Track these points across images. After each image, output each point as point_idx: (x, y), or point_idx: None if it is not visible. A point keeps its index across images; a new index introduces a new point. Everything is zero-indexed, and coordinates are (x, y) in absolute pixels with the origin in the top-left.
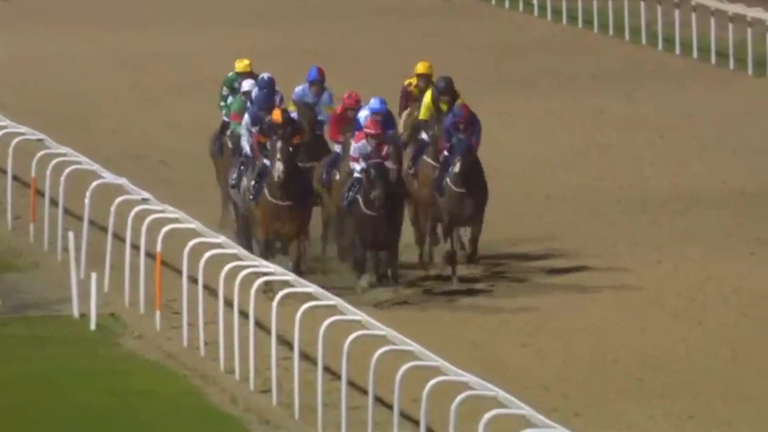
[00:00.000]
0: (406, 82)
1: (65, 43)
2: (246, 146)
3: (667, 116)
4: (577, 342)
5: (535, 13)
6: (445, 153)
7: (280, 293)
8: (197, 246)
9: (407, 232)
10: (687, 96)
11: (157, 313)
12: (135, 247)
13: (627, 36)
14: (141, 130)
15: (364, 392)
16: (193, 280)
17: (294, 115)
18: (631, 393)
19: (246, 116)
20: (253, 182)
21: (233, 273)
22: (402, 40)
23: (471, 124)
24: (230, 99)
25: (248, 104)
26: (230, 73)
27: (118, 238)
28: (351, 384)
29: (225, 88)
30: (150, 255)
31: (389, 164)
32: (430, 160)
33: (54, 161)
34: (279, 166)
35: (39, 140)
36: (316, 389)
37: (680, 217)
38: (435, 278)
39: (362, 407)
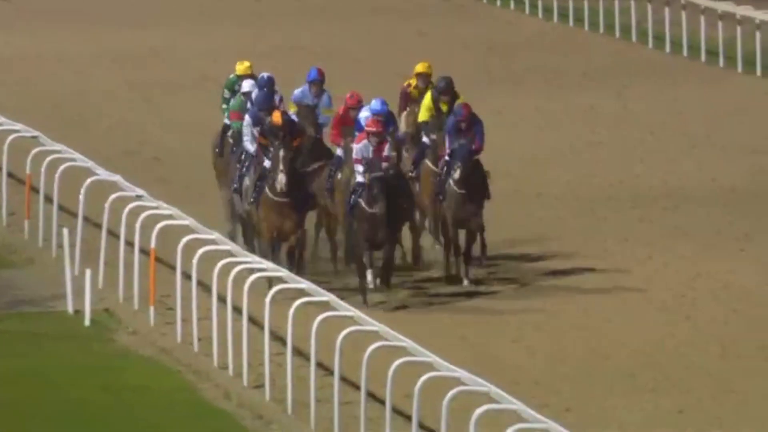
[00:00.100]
0: (406, 83)
1: (63, 42)
2: (249, 146)
3: (657, 114)
4: (567, 338)
5: (527, 11)
6: (446, 158)
7: (273, 289)
8: (191, 242)
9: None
10: (677, 93)
11: (151, 309)
12: (129, 243)
13: (617, 34)
14: (137, 129)
15: (357, 388)
16: (186, 276)
17: (294, 116)
18: (621, 388)
19: (247, 117)
20: (253, 185)
21: (227, 269)
22: (396, 39)
23: (473, 123)
24: (232, 102)
25: (248, 105)
26: (231, 76)
27: (113, 234)
28: (343, 379)
29: (226, 91)
30: (144, 251)
31: (387, 166)
32: (431, 165)
33: (49, 158)
34: (282, 179)
35: (34, 137)
36: (308, 385)
37: (670, 213)
38: (427, 279)
39: (355, 402)
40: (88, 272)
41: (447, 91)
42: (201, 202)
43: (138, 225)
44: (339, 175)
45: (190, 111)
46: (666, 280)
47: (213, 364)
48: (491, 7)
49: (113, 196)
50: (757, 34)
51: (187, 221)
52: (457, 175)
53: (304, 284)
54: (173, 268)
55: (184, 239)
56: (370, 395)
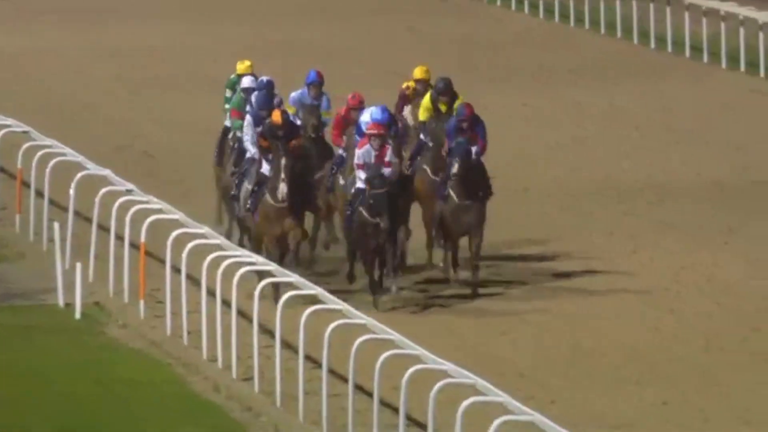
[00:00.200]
0: (404, 85)
1: (55, 38)
2: (250, 147)
3: (642, 109)
4: (553, 331)
5: (513, 7)
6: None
7: (262, 283)
8: (180, 236)
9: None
10: (662, 89)
11: (141, 302)
12: (119, 237)
13: (603, 30)
14: (128, 124)
15: (345, 380)
16: (176, 269)
17: (293, 118)
18: (606, 381)
19: (248, 117)
20: (251, 193)
21: (216, 263)
22: (386, 36)
23: (475, 124)
24: (232, 100)
25: (248, 106)
26: (232, 76)
27: (103, 228)
28: (332, 372)
29: (228, 90)
30: (134, 245)
31: (389, 173)
32: (427, 168)
33: (40, 153)
34: (283, 188)
35: (25, 132)
36: (297, 377)
37: (655, 207)
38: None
39: (343, 395)
40: (78, 266)
41: (446, 92)
42: (191, 196)
43: (128, 219)
44: (341, 179)
45: (182, 107)
46: (651, 274)
47: (202, 356)
48: (478, 4)
49: (103, 190)
50: (741, 31)
51: (177, 215)
52: (455, 169)
53: (292, 278)
54: (163, 261)
55: (174, 233)
56: (358, 388)
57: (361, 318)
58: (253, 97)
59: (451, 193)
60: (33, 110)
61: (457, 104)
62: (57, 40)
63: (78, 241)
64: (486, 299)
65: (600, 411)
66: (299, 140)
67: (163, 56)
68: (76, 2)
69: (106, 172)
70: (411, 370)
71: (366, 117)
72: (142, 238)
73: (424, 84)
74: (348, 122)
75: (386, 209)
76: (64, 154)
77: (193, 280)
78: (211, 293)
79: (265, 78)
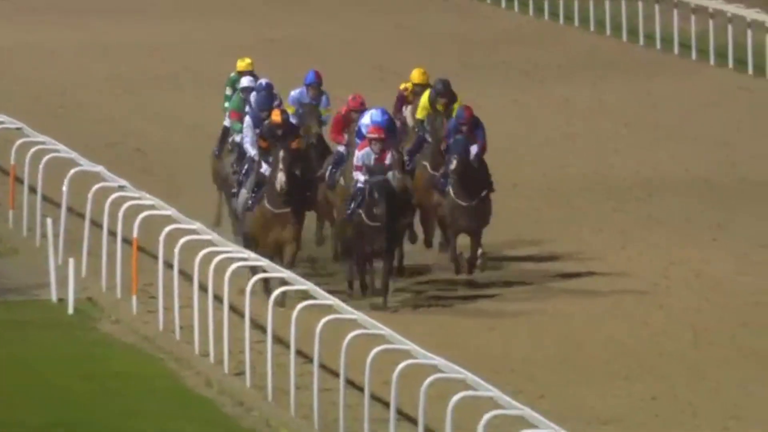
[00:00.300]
0: (402, 87)
1: (48, 34)
2: (249, 148)
3: (631, 106)
4: (542, 326)
5: (503, 5)
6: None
7: (254, 278)
8: (173, 232)
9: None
10: (651, 86)
11: (134, 297)
12: (112, 233)
13: (592, 27)
14: (121, 121)
15: (336, 375)
16: (168, 265)
17: (292, 118)
18: (595, 375)
19: (247, 118)
20: (251, 192)
21: (208, 258)
22: (375, 32)
23: (475, 127)
24: (232, 100)
25: (247, 106)
26: (232, 74)
27: (96, 224)
28: (323, 367)
29: (228, 89)
30: (126, 241)
31: (392, 175)
32: (426, 164)
33: (33, 149)
34: (281, 177)
35: (18, 129)
36: (288, 372)
37: (644, 203)
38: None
39: (334, 389)
40: (71, 261)
41: (445, 93)
42: (183, 192)
43: (120, 215)
44: (341, 180)
45: (174, 104)
46: (640, 269)
47: (194, 351)
48: (469, 1)
49: (96, 186)
50: (729, 28)
51: (169, 211)
52: (453, 166)
53: (284, 273)
54: (155, 257)
55: (166, 229)
56: (349, 382)
57: (351, 313)
58: (252, 99)
59: (451, 192)
60: (26, 107)
61: (456, 107)
62: (50, 37)
63: (71, 236)
64: (475, 295)
65: (589, 405)
66: (299, 142)
67: (155, 53)
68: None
69: (99, 168)
70: (402, 365)
71: (366, 119)
72: (135, 234)
73: (422, 88)
74: (348, 121)
75: (384, 198)
76: (57, 151)
77: (186, 276)
78: (203, 289)
79: (264, 80)
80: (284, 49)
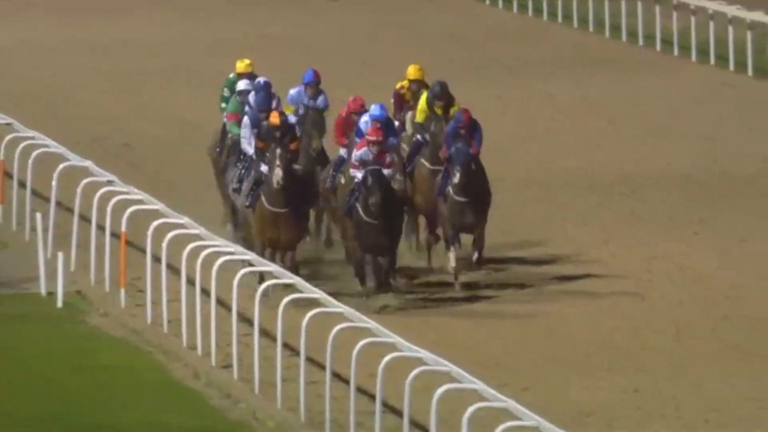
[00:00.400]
0: (398, 85)
1: (37, 31)
2: (248, 148)
3: (614, 102)
4: (526, 319)
5: (487, 1)
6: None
7: (240, 272)
8: (161, 226)
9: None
10: (633, 82)
11: (122, 291)
12: (100, 227)
13: (575, 24)
14: (109, 116)
15: (322, 368)
16: (156, 259)
17: (291, 118)
18: (578, 368)
19: (246, 119)
20: (250, 189)
21: (195, 252)
22: (361, 29)
23: (473, 129)
24: (230, 102)
25: (246, 107)
26: (231, 75)
27: (84, 218)
28: (309, 360)
29: (226, 90)
30: (115, 235)
31: (390, 172)
32: (425, 162)
33: (22, 144)
34: (278, 173)
35: (8, 124)
36: (275, 365)
37: (627, 199)
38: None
39: (320, 382)
40: (60, 255)
41: (442, 95)
42: (170, 187)
43: (109, 209)
44: (341, 179)
45: (160, 99)
46: (623, 263)
47: (182, 344)
48: None
49: (85, 181)
50: (711, 24)
51: (157, 206)
52: (456, 179)
53: (271, 267)
54: (143, 251)
55: (154, 223)
56: (335, 375)
57: (338, 307)
58: (251, 99)
59: (451, 192)
60: (16, 102)
61: (454, 110)
62: (39, 34)
63: (60, 230)
64: (460, 289)
65: (572, 398)
66: (297, 144)
67: (143, 49)
68: None
69: (88, 163)
70: (387, 357)
71: (365, 117)
72: (123, 228)
73: (418, 83)
74: (349, 123)
75: (379, 188)
76: (46, 146)
77: (173, 270)
78: (190, 282)
79: (262, 79)
80: (277, 46)
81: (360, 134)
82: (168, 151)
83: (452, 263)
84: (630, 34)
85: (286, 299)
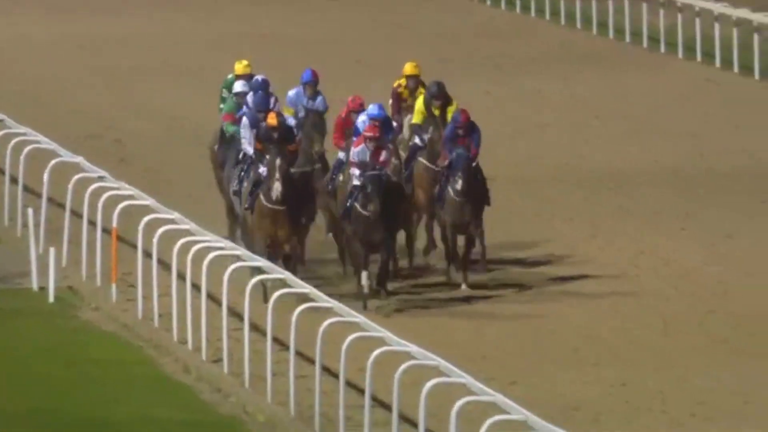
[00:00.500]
0: (395, 84)
1: (29, 28)
2: (248, 148)
3: (601, 98)
4: (514, 314)
5: None
6: (445, 164)
7: (231, 267)
8: (151, 222)
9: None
10: (621, 79)
11: (113, 286)
12: (92, 223)
13: (563, 21)
14: (100, 112)
15: (312, 362)
16: (147, 254)
17: (290, 120)
18: (565, 362)
19: (245, 119)
20: (249, 192)
21: (186, 248)
22: (350, 26)
23: (471, 130)
24: (226, 103)
25: (245, 107)
26: (229, 76)
27: (76, 214)
28: (299, 354)
29: (225, 91)
30: (106, 231)
31: (386, 171)
32: (424, 161)
33: (14, 140)
34: (278, 187)
35: (0, 120)
36: (265, 359)
37: (614, 194)
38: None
39: (310, 376)
40: (52, 251)
41: (439, 96)
42: (161, 183)
43: (100, 205)
44: (340, 177)
45: (152, 96)
46: (610, 258)
47: (173, 339)
48: None
49: (76, 177)
50: (697, 21)
51: (148, 201)
52: (458, 186)
53: (260, 262)
54: (134, 246)
55: (145, 219)
56: (325, 369)
57: (327, 302)
58: (249, 99)
59: (451, 193)
60: (7, 99)
61: (452, 111)
62: (31, 30)
63: (51, 226)
64: (445, 284)
65: (560, 392)
66: (296, 147)
67: (134, 46)
68: None
69: (79, 159)
70: (376, 352)
71: (363, 116)
72: (114, 224)
73: (415, 80)
74: (348, 124)
75: (378, 193)
76: (38, 142)
77: (164, 265)
78: (181, 277)
79: (260, 77)
80: (267, 44)
81: (358, 133)
82: (159, 148)
83: (454, 276)
84: (617, 31)
85: (275, 294)
